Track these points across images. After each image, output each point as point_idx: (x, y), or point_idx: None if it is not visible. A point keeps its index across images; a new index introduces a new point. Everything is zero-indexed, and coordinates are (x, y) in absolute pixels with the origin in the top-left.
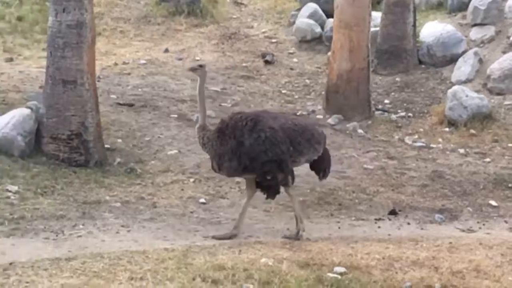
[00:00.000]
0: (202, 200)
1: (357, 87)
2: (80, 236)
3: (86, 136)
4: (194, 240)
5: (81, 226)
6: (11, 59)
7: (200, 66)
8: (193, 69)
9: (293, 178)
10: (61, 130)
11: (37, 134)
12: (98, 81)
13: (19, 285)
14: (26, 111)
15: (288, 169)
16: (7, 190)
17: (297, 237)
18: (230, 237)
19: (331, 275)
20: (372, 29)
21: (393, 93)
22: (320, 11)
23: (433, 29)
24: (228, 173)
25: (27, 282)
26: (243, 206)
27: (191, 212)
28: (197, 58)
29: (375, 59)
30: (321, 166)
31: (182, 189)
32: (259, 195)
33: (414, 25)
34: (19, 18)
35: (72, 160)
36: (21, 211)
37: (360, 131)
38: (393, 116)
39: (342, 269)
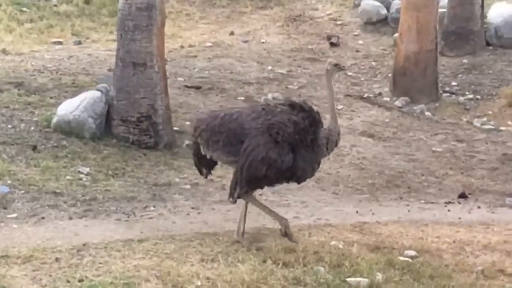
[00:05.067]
0: None
1: (424, 69)
2: (151, 217)
3: (156, 119)
4: (264, 222)
5: (152, 208)
6: (79, 42)
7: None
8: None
9: None
10: (131, 112)
11: (107, 117)
12: (165, 64)
13: (92, 265)
14: (97, 93)
15: None
16: (79, 172)
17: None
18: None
19: (402, 258)
20: (440, 10)
21: (460, 75)
22: None
23: (501, 10)
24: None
25: (100, 263)
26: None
27: (260, 195)
28: (263, 40)
29: (442, 41)
30: None
31: None
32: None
33: (482, 6)
34: (87, 2)
35: (142, 142)
36: (93, 192)
37: (427, 113)
38: (461, 99)
39: (413, 253)
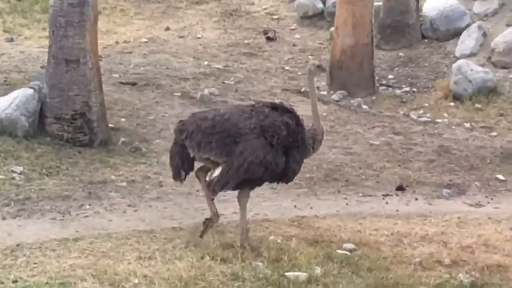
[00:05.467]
0: (208, 178)
1: (361, 62)
2: (87, 216)
3: (90, 116)
4: (202, 218)
5: (87, 206)
6: (11, 39)
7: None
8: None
9: None
10: (64, 110)
11: (40, 115)
12: (100, 60)
13: (27, 266)
14: (29, 91)
15: None
16: (12, 171)
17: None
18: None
19: (340, 252)
20: (375, 3)
21: (396, 68)
22: None
23: (436, 3)
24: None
25: (35, 263)
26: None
27: (197, 191)
28: (198, 35)
29: (378, 34)
30: None
31: None
32: None
33: None
34: None
35: (77, 140)
36: (27, 192)
37: (364, 106)
38: (398, 91)
39: (351, 246)
